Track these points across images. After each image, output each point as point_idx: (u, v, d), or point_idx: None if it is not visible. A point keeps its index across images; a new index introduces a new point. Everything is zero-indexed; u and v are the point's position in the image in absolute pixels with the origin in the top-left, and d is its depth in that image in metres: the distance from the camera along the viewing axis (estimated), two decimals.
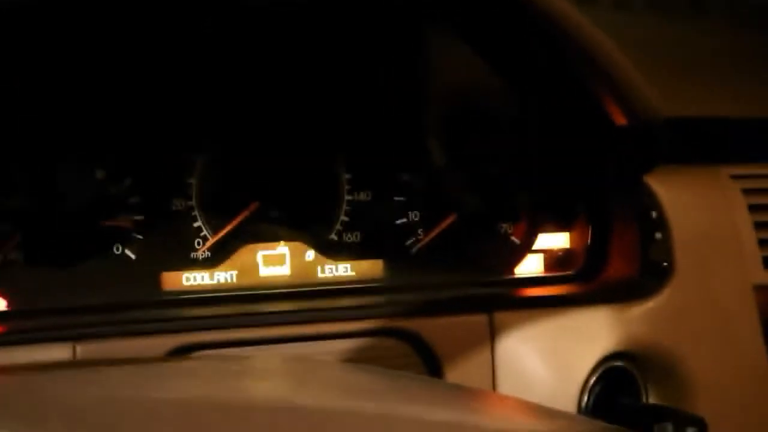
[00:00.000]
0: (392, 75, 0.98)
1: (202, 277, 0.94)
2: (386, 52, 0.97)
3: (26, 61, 0.89)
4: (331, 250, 0.97)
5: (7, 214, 0.90)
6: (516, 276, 1.00)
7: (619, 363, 0.83)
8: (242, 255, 0.95)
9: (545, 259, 1.01)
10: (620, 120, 0.87)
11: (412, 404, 0.47)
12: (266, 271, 0.95)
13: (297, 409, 0.41)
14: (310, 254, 0.96)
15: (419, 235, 0.99)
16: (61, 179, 0.92)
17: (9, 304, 0.90)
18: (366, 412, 0.44)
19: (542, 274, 1.00)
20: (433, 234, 0.99)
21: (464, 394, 0.55)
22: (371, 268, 0.97)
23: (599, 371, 0.82)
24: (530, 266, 1.01)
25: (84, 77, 0.92)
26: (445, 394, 0.53)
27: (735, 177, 0.94)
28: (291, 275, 0.96)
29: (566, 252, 1.01)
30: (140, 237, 0.93)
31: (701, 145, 0.97)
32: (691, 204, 0.89)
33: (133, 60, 0.92)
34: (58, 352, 0.74)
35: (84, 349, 0.74)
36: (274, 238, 0.96)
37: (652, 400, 0.84)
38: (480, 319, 0.81)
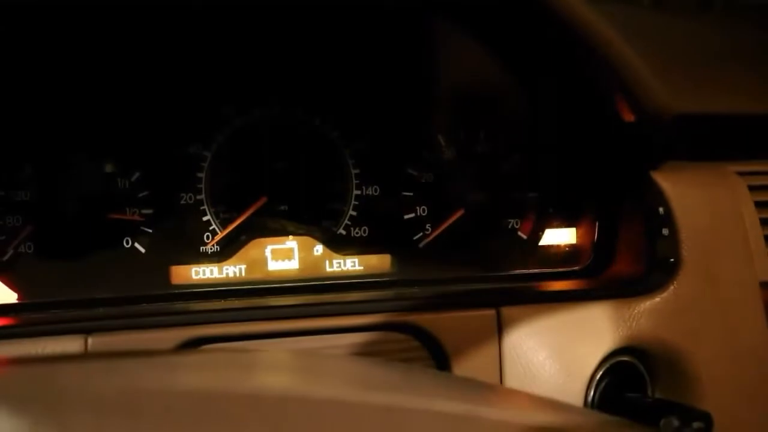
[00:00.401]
0: (403, 71, 0.98)
1: (211, 271, 0.95)
2: (397, 48, 0.97)
3: (38, 58, 0.90)
4: (339, 245, 0.98)
5: (17, 208, 0.91)
6: (523, 271, 1.01)
7: (625, 358, 0.84)
8: (251, 249, 0.96)
9: (552, 255, 1.01)
10: (628, 116, 0.87)
11: (425, 397, 0.47)
12: (275, 266, 0.96)
13: (313, 401, 0.42)
14: (319, 248, 0.97)
15: (427, 229, 0.99)
16: (70, 173, 0.93)
17: (20, 297, 0.91)
18: (380, 404, 0.44)
19: (549, 270, 1.01)
20: (440, 229, 0.99)
21: (474, 387, 0.56)
22: (379, 262, 0.98)
23: (605, 366, 0.83)
24: (537, 261, 1.01)
25: (93, 73, 0.92)
26: (456, 387, 0.54)
27: (741, 173, 0.94)
28: (299, 269, 0.96)
29: (573, 248, 1.02)
30: (149, 231, 0.94)
31: (707, 141, 0.97)
32: (698, 200, 0.89)
33: (142, 56, 0.92)
34: (71, 344, 0.74)
35: (96, 342, 0.74)
36: (283, 233, 0.97)
37: (658, 395, 0.84)
38: (487, 314, 0.81)
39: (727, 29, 1.38)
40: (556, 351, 0.81)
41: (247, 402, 0.42)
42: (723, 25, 1.43)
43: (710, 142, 0.98)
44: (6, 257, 0.91)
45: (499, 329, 0.81)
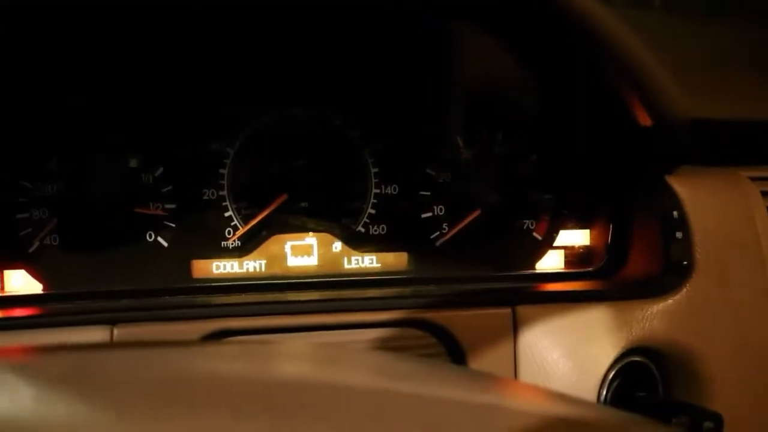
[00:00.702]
0: (423, 71, 0.99)
1: (232, 266, 0.97)
2: (418, 49, 0.98)
3: (65, 55, 0.92)
4: (357, 242, 0.99)
5: (44, 201, 0.94)
6: (537, 271, 1.02)
7: (637, 358, 0.85)
8: (271, 245, 0.98)
9: (566, 256, 1.03)
10: (645, 120, 0.88)
11: (449, 387, 0.49)
12: (294, 261, 0.98)
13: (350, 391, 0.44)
14: (337, 245, 0.99)
15: (444, 229, 1.01)
16: (96, 168, 0.95)
17: (45, 288, 0.93)
18: (403, 392, 0.46)
19: (563, 270, 1.02)
20: (457, 228, 1.01)
21: (495, 379, 0.57)
22: (396, 260, 1.00)
23: (618, 366, 0.84)
24: (551, 262, 1.03)
25: (120, 70, 0.94)
26: (478, 378, 0.55)
27: (754, 179, 0.95)
28: (318, 265, 0.98)
29: (587, 249, 1.03)
30: (172, 225, 0.96)
31: (721, 146, 0.98)
32: (711, 205, 0.90)
33: (167, 54, 0.94)
34: (97, 334, 0.76)
35: (121, 333, 0.77)
36: (303, 229, 0.99)
37: (670, 395, 0.85)
38: (503, 313, 0.83)
39: (741, 33, 1.39)
40: (570, 350, 0.82)
41: (288, 390, 0.43)
42: (736, 28, 1.44)
43: (724, 147, 0.99)
44: (32, 249, 0.94)
45: (515, 327, 0.82)
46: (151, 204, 0.96)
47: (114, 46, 0.93)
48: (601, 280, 0.97)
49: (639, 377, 0.85)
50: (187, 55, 0.95)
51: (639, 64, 0.83)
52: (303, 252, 0.98)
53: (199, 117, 0.96)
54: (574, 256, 1.03)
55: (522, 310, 0.83)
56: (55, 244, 0.94)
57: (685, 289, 0.86)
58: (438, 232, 1.01)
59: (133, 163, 0.96)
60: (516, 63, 0.98)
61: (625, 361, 0.84)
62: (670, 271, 0.89)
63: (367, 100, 1.00)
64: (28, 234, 0.94)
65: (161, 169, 0.96)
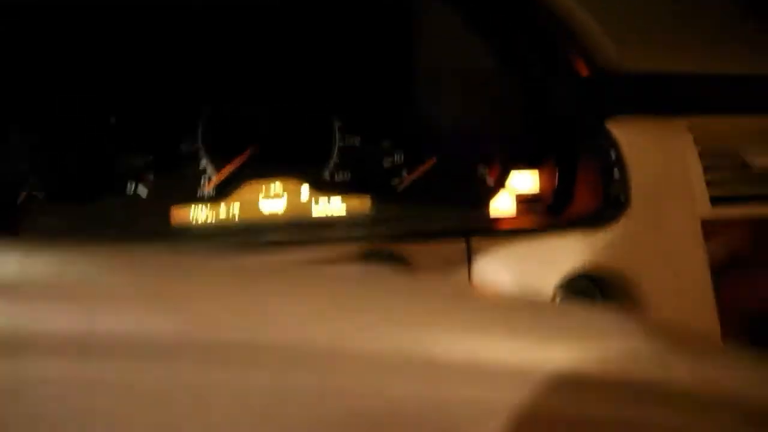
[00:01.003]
0: (379, 33, 1.07)
1: (207, 213, 1.04)
2: (373, 10, 1.05)
3: (47, 18, 0.97)
4: (324, 188, 1.07)
5: (28, 157, 1.00)
6: (490, 211, 1.10)
7: (580, 282, 0.93)
8: (243, 192, 1.05)
9: (517, 199, 1.11)
10: (584, 71, 0.96)
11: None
12: (265, 207, 1.05)
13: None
14: (305, 191, 1.06)
15: (403, 175, 1.09)
16: (78, 125, 1.01)
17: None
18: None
19: (514, 210, 1.10)
20: (414, 175, 1.09)
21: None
22: (360, 203, 1.07)
23: (563, 291, 0.93)
24: (503, 205, 1.11)
25: (99, 32, 1.00)
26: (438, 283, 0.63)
27: (690, 127, 1.03)
28: (287, 210, 1.06)
29: (536, 192, 1.11)
30: (150, 177, 1.03)
31: (659, 97, 1.07)
32: (647, 148, 0.98)
33: (144, 18, 1.00)
34: None
35: None
36: (273, 177, 1.06)
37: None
38: (458, 244, 0.91)
39: None
40: (519, 275, 0.90)
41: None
42: None
43: (661, 97, 1.07)
44: (18, 202, 0.99)
45: (468, 257, 0.90)
46: (130, 157, 1.02)
47: (96, 10, 0.98)
48: (548, 216, 1.05)
49: (581, 301, 0.94)
50: (163, 19, 1.01)
51: (572, 19, 0.91)
52: (273, 198, 1.05)
53: (176, 76, 1.03)
54: (524, 198, 1.11)
55: (475, 241, 0.91)
56: (41, 197, 1.00)
57: (621, 222, 0.94)
58: (398, 179, 1.08)
59: (112, 119, 1.02)
60: (464, 23, 1.06)
61: (569, 285, 0.93)
62: (608, 207, 0.97)
63: (331, 60, 1.07)
64: (11, 188, 0.99)
65: (141, 124, 1.02)
